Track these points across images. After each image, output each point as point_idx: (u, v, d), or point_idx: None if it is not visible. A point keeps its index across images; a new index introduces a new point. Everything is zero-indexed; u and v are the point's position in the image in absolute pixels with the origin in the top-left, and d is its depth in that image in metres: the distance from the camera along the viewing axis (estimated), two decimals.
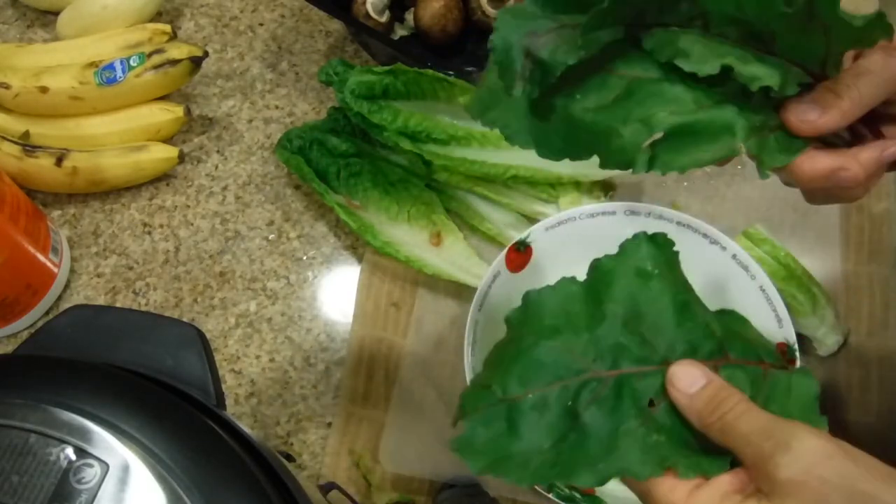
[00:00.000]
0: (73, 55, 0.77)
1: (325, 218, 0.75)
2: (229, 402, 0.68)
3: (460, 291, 0.70)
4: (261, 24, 0.85)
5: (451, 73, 0.69)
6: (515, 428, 0.36)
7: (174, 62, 0.74)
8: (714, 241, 0.62)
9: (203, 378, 0.41)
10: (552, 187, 0.71)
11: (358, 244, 0.74)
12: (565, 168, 0.69)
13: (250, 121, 0.80)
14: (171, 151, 0.75)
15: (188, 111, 0.76)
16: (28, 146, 0.73)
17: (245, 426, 0.39)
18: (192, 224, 0.75)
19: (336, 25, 0.84)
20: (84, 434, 0.33)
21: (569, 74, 0.36)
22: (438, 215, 0.71)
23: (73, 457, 0.33)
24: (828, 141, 0.37)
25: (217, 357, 0.67)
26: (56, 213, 0.76)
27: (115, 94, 0.74)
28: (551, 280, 0.40)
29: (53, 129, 0.74)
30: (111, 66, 0.73)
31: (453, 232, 0.71)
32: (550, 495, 0.58)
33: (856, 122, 0.36)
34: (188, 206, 0.76)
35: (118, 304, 0.72)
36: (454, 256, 0.70)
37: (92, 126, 0.75)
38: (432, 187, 0.72)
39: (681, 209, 0.63)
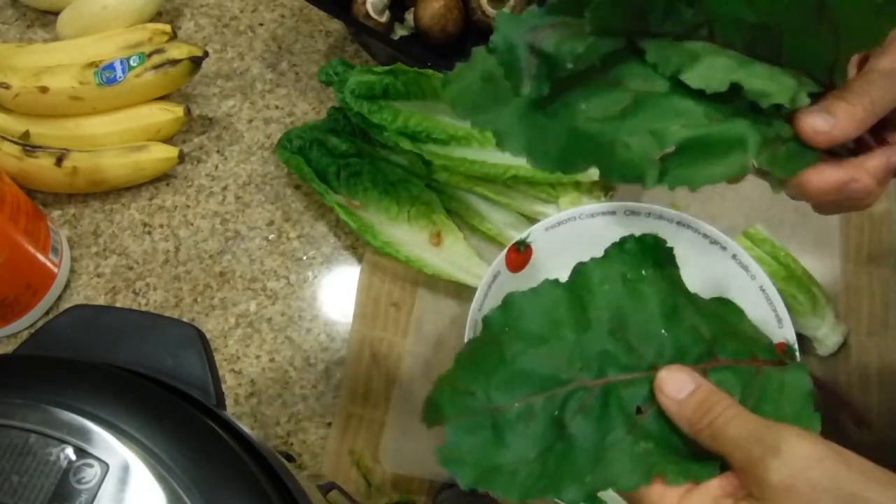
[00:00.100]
0: (73, 55, 0.77)
1: (325, 218, 0.75)
2: (229, 402, 0.68)
3: (460, 291, 0.70)
4: (261, 24, 0.85)
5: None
6: (501, 437, 0.36)
7: (174, 62, 0.74)
8: (714, 241, 0.62)
9: (203, 378, 0.41)
10: (552, 187, 0.71)
11: (358, 244, 0.74)
12: None
13: (250, 121, 0.80)
14: (171, 151, 0.75)
15: (188, 111, 0.76)
16: (28, 146, 0.73)
17: (245, 426, 0.39)
18: (192, 224, 0.75)
19: (336, 25, 0.84)
20: (84, 434, 0.33)
21: (571, 81, 0.35)
22: (438, 215, 0.71)
23: (73, 457, 0.33)
24: (832, 151, 0.36)
25: (217, 357, 0.67)
26: (56, 213, 0.76)
27: (115, 94, 0.74)
28: None
29: (53, 129, 0.74)
30: (111, 66, 0.73)
31: (453, 232, 0.71)
32: None
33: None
34: (188, 206, 0.76)
35: (118, 304, 0.72)
36: (454, 256, 0.70)
37: (92, 126, 0.75)
38: (432, 187, 0.72)
39: (681, 209, 0.63)
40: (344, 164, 0.72)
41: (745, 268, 0.61)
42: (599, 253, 0.40)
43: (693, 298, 0.40)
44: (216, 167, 0.78)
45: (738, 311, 0.41)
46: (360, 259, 0.73)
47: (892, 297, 0.68)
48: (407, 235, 0.71)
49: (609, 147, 0.35)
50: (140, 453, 0.33)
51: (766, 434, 0.32)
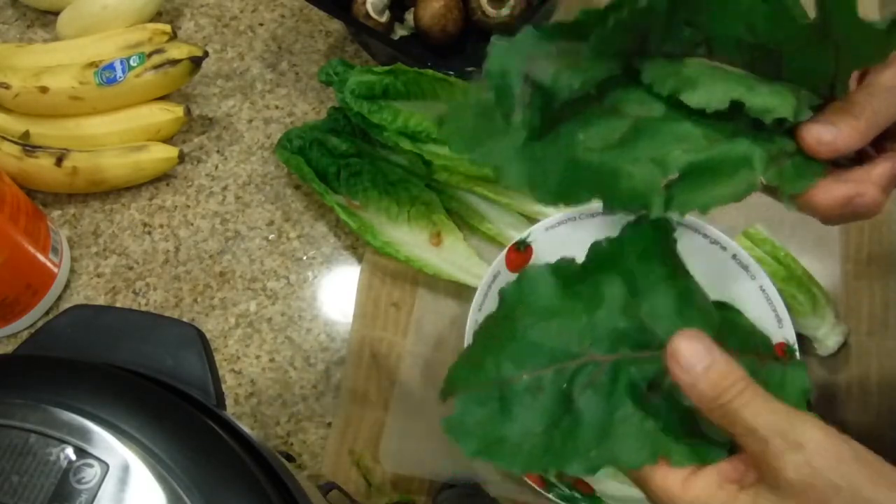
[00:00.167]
0: (73, 55, 0.77)
1: (325, 218, 0.75)
2: (229, 402, 0.68)
3: (460, 291, 0.70)
4: (261, 24, 0.85)
5: (451, 73, 0.69)
6: (508, 410, 0.35)
7: (174, 62, 0.74)
8: (714, 241, 0.62)
9: (203, 378, 0.41)
10: None
11: (358, 244, 0.74)
12: None
13: (250, 121, 0.80)
14: (171, 151, 0.75)
15: (188, 111, 0.76)
16: (28, 146, 0.73)
17: (245, 426, 0.39)
18: (192, 224, 0.75)
19: (336, 25, 0.84)
20: (84, 434, 0.33)
21: (567, 110, 0.34)
22: (438, 215, 0.71)
23: (73, 457, 0.33)
24: (834, 161, 0.36)
25: (217, 357, 0.67)
26: (56, 213, 0.76)
27: (115, 94, 0.74)
28: None
29: (53, 129, 0.74)
30: (111, 66, 0.73)
31: (453, 232, 0.71)
32: (550, 496, 0.58)
33: None
34: (188, 206, 0.76)
35: (118, 304, 0.72)
36: (454, 256, 0.70)
37: (92, 126, 0.75)
38: (432, 187, 0.72)
39: None
40: (344, 164, 0.72)
41: (745, 268, 0.61)
42: None
43: (699, 287, 0.40)
44: (216, 167, 0.78)
45: (736, 312, 0.41)
46: (360, 259, 0.73)
47: (892, 297, 0.68)
48: (407, 235, 0.71)
49: (611, 177, 0.35)
50: (140, 453, 0.33)
51: (786, 425, 0.31)
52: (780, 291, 0.60)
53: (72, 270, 0.73)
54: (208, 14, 0.86)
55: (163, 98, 0.77)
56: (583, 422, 0.35)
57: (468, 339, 0.59)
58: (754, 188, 0.35)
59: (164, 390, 0.38)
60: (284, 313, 0.71)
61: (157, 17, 0.83)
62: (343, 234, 0.74)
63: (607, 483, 0.63)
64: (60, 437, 0.33)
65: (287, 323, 0.71)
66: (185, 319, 0.70)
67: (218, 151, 0.78)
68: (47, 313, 0.71)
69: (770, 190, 0.36)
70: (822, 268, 0.68)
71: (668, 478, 0.34)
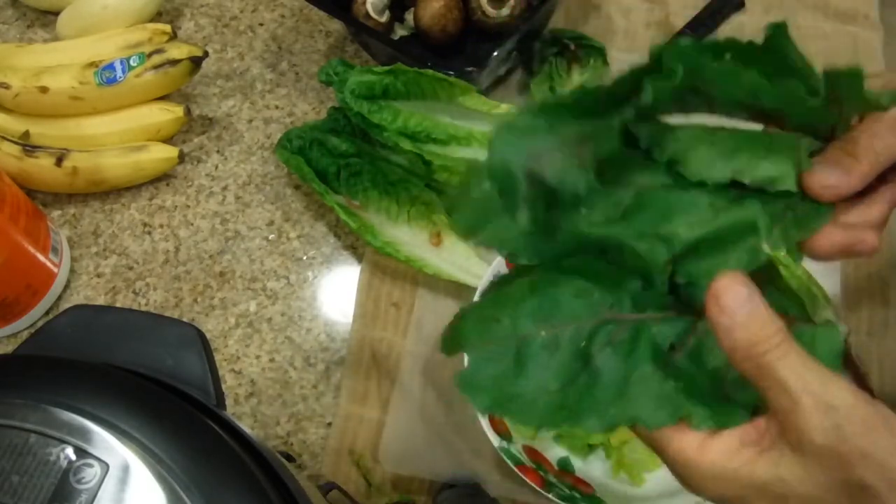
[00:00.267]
0: (73, 55, 0.77)
1: (325, 218, 0.75)
2: (229, 402, 0.68)
3: (460, 291, 0.70)
4: (261, 24, 0.85)
5: (451, 73, 0.69)
6: (523, 366, 0.35)
7: (174, 62, 0.74)
8: None
9: (203, 378, 0.41)
10: None
11: (358, 244, 0.74)
12: None
13: (250, 121, 0.80)
14: (171, 151, 0.75)
15: (188, 111, 0.76)
16: (28, 146, 0.73)
17: (245, 426, 0.39)
18: (192, 224, 0.75)
19: (336, 25, 0.84)
20: (84, 434, 0.33)
21: (571, 197, 0.34)
22: (438, 215, 0.71)
23: (73, 457, 0.33)
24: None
25: (217, 357, 0.67)
26: (56, 213, 0.76)
27: (115, 94, 0.74)
28: None
29: (53, 129, 0.74)
30: (111, 66, 0.73)
31: (453, 232, 0.71)
32: (550, 496, 0.58)
33: None
34: (188, 206, 0.76)
35: (118, 304, 0.72)
36: (454, 256, 0.70)
37: (92, 126, 0.75)
38: (432, 187, 0.72)
39: None
40: (344, 164, 0.72)
41: None
42: None
43: None
44: (216, 167, 0.78)
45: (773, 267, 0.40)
46: (360, 259, 0.73)
47: (892, 297, 0.68)
48: (407, 235, 0.71)
49: (616, 252, 0.35)
50: (140, 453, 0.33)
51: (819, 386, 0.30)
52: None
53: (72, 270, 0.73)
54: (208, 14, 0.86)
55: (163, 98, 0.77)
56: (600, 380, 0.34)
57: None
58: (758, 262, 0.34)
59: (164, 390, 0.38)
60: (284, 313, 0.71)
61: (157, 17, 0.83)
62: (343, 234, 0.74)
63: (607, 483, 0.63)
64: (60, 437, 0.33)
65: (287, 323, 0.71)
66: (185, 319, 0.70)
67: (218, 151, 0.78)
68: (47, 313, 0.71)
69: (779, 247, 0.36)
70: (822, 268, 0.68)
71: (685, 441, 0.33)
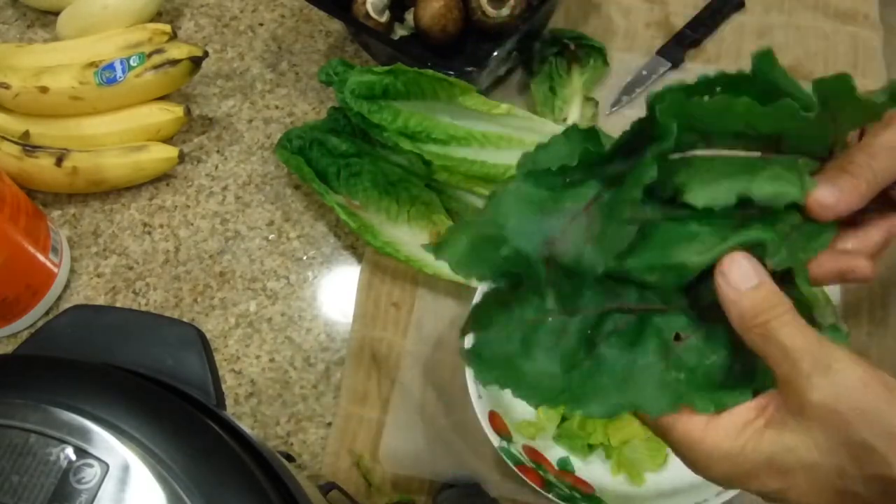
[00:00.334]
0: (73, 55, 0.77)
1: (325, 218, 0.75)
2: (229, 402, 0.68)
3: (460, 291, 0.70)
4: (261, 24, 0.85)
5: (451, 73, 0.69)
6: (529, 349, 0.35)
7: (174, 62, 0.74)
8: None
9: (203, 378, 0.41)
10: None
11: (358, 244, 0.74)
12: None
13: (250, 121, 0.80)
14: (171, 151, 0.75)
15: (188, 111, 0.76)
16: (28, 146, 0.73)
17: (245, 426, 0.39)
18: (192, 224, 0.75)
19: (336, 25, 0.84)
20: (84, 434, 0.33)
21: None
22: (438, 215, 0.71)
23: (73, 457, 0.33)
24: None
25: (217, 357, 0.67)
26: (56, 213, 0.76)
27: (115, 94, 0.74)
28: None
29: (53, 129, 0.74)
30: (111, 66, 0.73)
31: None
32: (550, 496, 0.58)
33: None
34: (188, 206, 0.76)
35: (118, 304, 0.72)
36: None
37: (92, 126, 0.75)
38: (432, 187, 0.72)
39: None
40: (344, 164, 0.72)
41: None
42: None
43: None
44: (216, 167, 0.78)
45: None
46: (360, 259, 0.73)
47: (892, 297, 0.68)
48: (407, 235, 0.71)
49: (624, 287, 0.35)
50: (140, 453, 0.33)
51: (818, 349, 0.32)
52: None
53: (72, 270, 0.73)
54: (208, 14, 0.86)
55: (163, 98, 0.77)
56: (604, 367, 0.35)
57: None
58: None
59: (164, 390, 0.38)
60: (284, 313, 0.71)
61: (157, 17, 0.83)
62: (343, 234, 0.74)
63: (607, 483, 0.63)
64: (60, 437, 0.33)
65: (287, 323, 0.71)
66: (185, 319, 0.70)
67: (218, 151, 0.78)
68: (47, 313, 0.71)
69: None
70: None
71: (690, 423, 0.33)
